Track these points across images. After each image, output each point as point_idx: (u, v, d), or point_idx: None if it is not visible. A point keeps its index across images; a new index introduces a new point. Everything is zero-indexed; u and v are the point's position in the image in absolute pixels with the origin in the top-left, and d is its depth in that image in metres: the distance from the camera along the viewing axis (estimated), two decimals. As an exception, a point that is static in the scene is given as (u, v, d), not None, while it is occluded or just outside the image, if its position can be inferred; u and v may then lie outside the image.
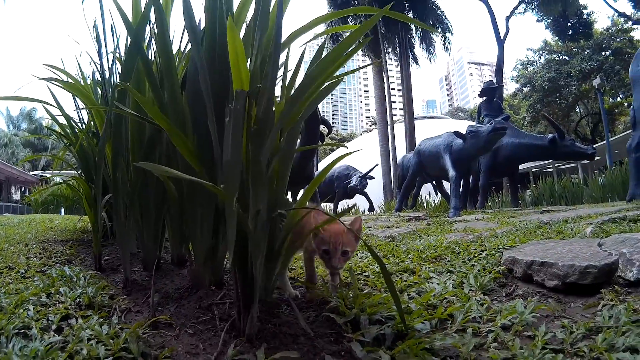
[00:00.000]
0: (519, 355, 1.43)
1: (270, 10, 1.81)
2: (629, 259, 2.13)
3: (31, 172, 37.40)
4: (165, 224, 2.81)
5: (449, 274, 2.45)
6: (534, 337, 1.58)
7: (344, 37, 1.89)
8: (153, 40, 2.68)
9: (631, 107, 7.51)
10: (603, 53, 34.13)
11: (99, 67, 2.74)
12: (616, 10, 31.45)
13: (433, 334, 1.61)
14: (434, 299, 2.00)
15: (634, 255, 2.13)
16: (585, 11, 31.24)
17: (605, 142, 19.91)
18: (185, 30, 1.88)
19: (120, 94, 2.41)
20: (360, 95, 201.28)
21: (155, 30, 2.16)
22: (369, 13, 1.93)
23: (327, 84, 1.83)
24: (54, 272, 2.57)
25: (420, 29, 30.04)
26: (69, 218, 7.86)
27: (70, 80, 3.30)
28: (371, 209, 14.83)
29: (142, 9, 2.39)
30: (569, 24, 31.07)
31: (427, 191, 14.65)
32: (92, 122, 3.41)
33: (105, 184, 2.54)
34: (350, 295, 1.92)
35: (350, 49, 1.67)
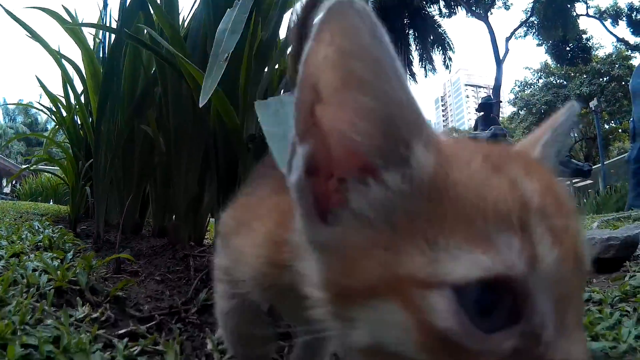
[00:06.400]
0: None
1: None
2: (650, 237, 1.99)
3: (23, 166, 37.14)
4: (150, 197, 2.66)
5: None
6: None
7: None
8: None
9: (631, 119, 7.46)
10: (602, 79, 34.31)
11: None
12: (616, 36, 31.78)
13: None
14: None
15: (655, 233, 2.00)
16: (584, 36, 31.51)
17: (599, 165, 19.91)
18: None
19: (116, 50, 2.23)
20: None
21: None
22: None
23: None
24: (22, 227, 2.37)
25: (419, 46, 30.02)
26: (58, 208, 7.67)
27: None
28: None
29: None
30: (567, 48, 31.28)
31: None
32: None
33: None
34: None
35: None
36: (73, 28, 2.91)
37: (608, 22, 31.64)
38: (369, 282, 0.46)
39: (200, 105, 1.11)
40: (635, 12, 30.30)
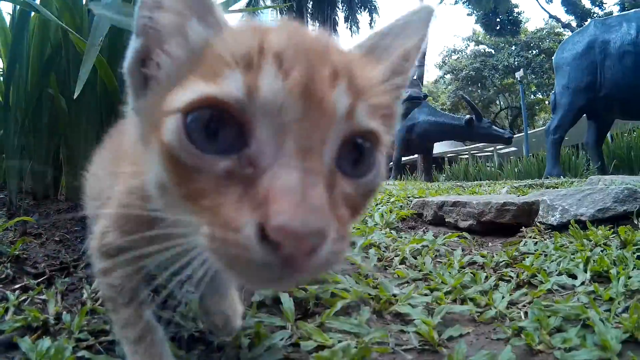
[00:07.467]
0: (434, 273, 1.30)
1: None
2: (551, 205, 2.06)
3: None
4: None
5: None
6: (449, 261, 1.46)
7: None
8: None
9: (552, 92, 7.75)
10: (531, 51, 35.36)
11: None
12: (549, 13, 32.74)
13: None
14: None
15: (555, 202, 2.07)
16: (516, 10, 32.28)
17: (523, 134, 20.65)
18: None
19: (23, 16, 2.25)
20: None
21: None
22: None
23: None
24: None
25: (344, 7, 30.43)
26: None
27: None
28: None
29: None
30: (497, 19, 31.95)
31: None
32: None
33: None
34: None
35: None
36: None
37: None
38: (151, 122, 0.57)
39: (75, 97, 1.33)
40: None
